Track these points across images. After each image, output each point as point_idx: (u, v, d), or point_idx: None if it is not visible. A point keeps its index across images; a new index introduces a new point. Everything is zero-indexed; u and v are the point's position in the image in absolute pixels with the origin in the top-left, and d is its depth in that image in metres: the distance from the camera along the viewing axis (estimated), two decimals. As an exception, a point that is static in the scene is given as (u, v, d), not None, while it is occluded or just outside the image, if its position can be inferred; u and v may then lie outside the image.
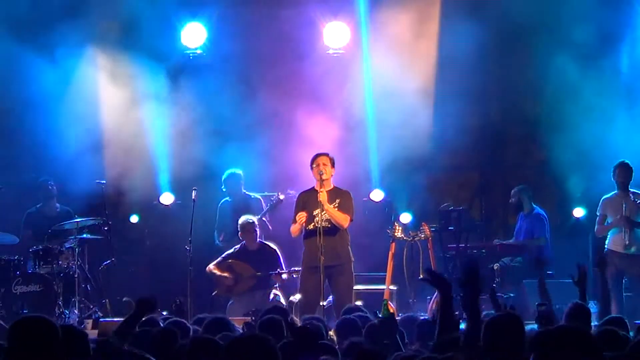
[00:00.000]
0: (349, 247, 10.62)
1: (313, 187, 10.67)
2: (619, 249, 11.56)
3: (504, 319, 4.73)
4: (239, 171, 12.95)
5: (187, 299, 12.78)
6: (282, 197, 12.58)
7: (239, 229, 12.13)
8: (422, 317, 8.31)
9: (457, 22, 13.46)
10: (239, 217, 12.30)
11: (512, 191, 13.02)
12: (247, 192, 13.01)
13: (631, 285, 11.63)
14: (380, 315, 6.48)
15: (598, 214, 11.76)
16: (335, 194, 10.58)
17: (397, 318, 8.91)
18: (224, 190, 12.89)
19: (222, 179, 12.91)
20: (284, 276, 11.99)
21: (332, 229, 10.48)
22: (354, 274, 10.74)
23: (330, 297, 10.73)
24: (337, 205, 10.52)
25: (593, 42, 13.00)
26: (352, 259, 10.62)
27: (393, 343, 6.05)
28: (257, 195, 13.06)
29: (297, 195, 11.05)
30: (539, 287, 7.43)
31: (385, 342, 5.95)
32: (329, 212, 10.40)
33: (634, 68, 13.32)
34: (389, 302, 11.77)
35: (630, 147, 12.62)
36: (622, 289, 11.52)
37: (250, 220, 12.08)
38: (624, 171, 11.54)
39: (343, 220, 10.49)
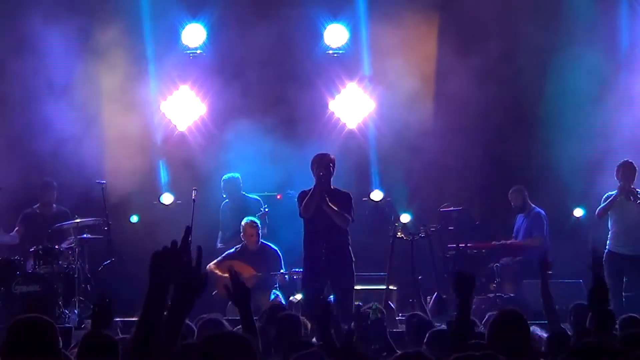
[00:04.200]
0: (350, 248, 10.58)
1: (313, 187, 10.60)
2: (620, 250, 11.57)
3: (508, 317, 4.72)
4: (237, 175, 12.97)
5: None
6: (267, 210, 12.63)
7: (241, 230, 12.14)
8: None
9: (457, 22, 13.49)
10: (239, 219, 12.32)
11: (511, 194, 12.93)
12: (245, 194, 13.02)
13: (631, 286, 11.63)
14: (370, 318, 6.46)
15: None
16: (335, 194, 10.53)
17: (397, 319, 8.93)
18: (223, 196, 12.93)
19: (221, 183, 12.91)
20: (282, 277, 12.00)
21: (333, 230, 10.42)
22: (355, 274, 10.71)
23: (331, 297, 10.70)
24: (337, 206, 10.46)
25: (593, 41, 13.01)
26: (353, 259, 10.59)
27: (385, 345, 6.04)
28: (255, 196, 13.07)
29: (297, 195, 10.95)
30: (541, 288, 7.40)
31: (374, 347, 5.94)
32: (330, 213, 10.34)
33: (634, 65, 13.34)
34: (383, 304, 11.78)
35: (631, 146, 12.62)
36: (622, 289, 11.52)
37: (252, 222, 12.10)
38: (627, 170, 11.52)
39: (343, 221, 10.45)
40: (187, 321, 6.69)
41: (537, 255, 12.43)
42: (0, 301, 11.51)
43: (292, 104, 13.63)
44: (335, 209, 10.35)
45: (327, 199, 10.33)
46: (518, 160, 13.93)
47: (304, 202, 10.39)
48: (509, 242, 12.84)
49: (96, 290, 12.56)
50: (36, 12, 13.07)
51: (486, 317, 8.16)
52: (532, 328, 5.84)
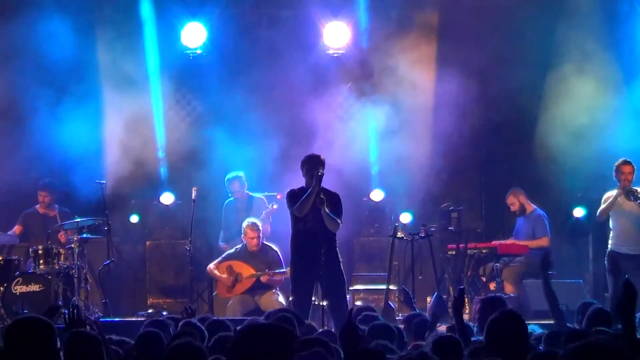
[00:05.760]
0: (337, 249, 10.45)
1: (302, 187, 10.46)
2: (621, 249, 11.56)
3: (507, 318, 4.72)
4: (241, 173, 12.99)
5: (190, 299, 12.80)
6: (275, 206, 12.64)
7: (242, 231, 12.15)
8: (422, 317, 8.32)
9: (457, 22, 13.49)
10: (243, 218, 12.33)
11: (508, 199, 12.92)
12: (250, 193, 13.04)
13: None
14: None
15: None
16: (326, 195, 10.41)
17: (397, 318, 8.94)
18: (229, 195, 12.95)
19: (225, 182, 12.94)
20: (277, 278, 11.99)
21: (324, 230, 10.30)
22: (344, 274, 10.61)
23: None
24: (328, 206, 10.31)
25: (593, 40, 13.01)
26: (341, 259, 10.48)
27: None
28: (260, 195, 13.08)
29: (287, 193, 10.72)
30: (543, 286, 7.38)
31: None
32: (325, 216, 10.23)
33: (634, 65, 13.33)
34: (389, 301, 11.78)
35: (631, 145, 12.60)
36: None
37: (254, 223, 12.11)
38: (626, 170, 11.50)
39: (335, 225, 10.30)
40: (196, 322, 6.69)
41: (545, 255, 12.48)
42: (0, 301, 11.50)
43: (292, 103, 13.64)
44: (331, 214, 10.24)
45: (325, 201, 10.20)
46: (518, 160, 13.94)
47: (301, 201, 10.27)
48: (517, 242, 12.79)
49: (96, 290, 12.62)
50: (36, 11, 13.08)
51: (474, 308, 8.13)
52: (531, 327, 5.84)
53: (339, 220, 10.29)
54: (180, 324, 6.73)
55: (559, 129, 13.17)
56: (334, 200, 10.34)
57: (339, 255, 10.41)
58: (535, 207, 12.87)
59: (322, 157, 10.40)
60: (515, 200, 12.89)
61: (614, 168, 11.52)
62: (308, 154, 10.53)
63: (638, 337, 4.25)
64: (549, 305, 7.22)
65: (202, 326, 6.55)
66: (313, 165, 10.24)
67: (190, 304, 11.22)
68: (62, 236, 12.53)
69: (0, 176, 13.10)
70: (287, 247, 11.25)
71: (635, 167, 11.49)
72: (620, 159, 11.56)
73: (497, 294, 6.46)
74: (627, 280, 4.59)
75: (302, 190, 10.34)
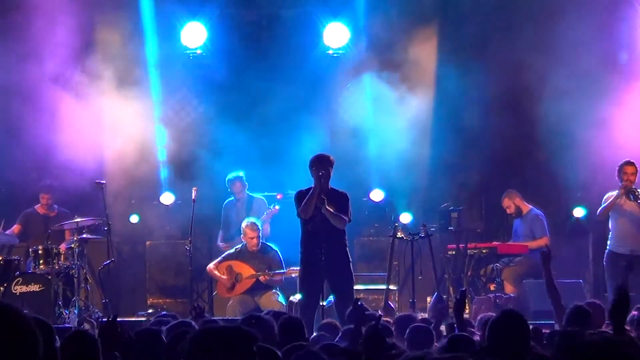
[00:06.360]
0: (347, 248, 10.48)
1: (309, 188, 10.51)
2: (620, 250, 11.56)
3: (508, 318, 4.72)
4: (241, 173, 13.00)
5: (189, 299, 12.80)
6: (277, 207, 12.65)
7: (241, 231, 12.16)
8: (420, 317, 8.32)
9: (457, 21, 13.49)
10: (242, 218, 12.35)
11: (504, 202, 12.90)
12: (250, 193, 13.05)
13: (632, 286, 11.60)
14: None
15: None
16: (333, 194, 10.42)
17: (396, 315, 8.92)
18: (232, 196, 12.99)
19: (226, 182, 12.96)
20: (276, 278, 11.99)
21: (331, 229, 10.32)
22: (353, 274, 10.64)
23: (331, 297, 10.66)
24: (334, 206, 10.33)
25: (593, 42, 13.01)
26: (350, 259, 10.50)
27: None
28: (260, 196, 13.09)
29: (295, 194, 10.81)
30: (546, 282, 7.35)
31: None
32: (329, 214, 10.25)
33: (633, 65, 13.32)
34: (389, 301, 11.80)
35: (631, 145, 12.60)
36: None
37: (253, 222, 12.11)
38: (627, 170, 11.50)
39: (340, 222, 10.32)
40: (189, 321, 6.66)
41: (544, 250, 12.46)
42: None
43: (292, 103, 13.63)
44: (333, 211, 10.23)
45: (326, 201, 10.21)
46: (518, 160, 13.93)
47: (303, 203, 10.29)
48: (516, 243, 12.79)
49: (96, 290, 12.62)
50: (37, 9, 13.07)
51: (479, 317, 8.12)
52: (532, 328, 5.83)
53: (344, 217, 10.29)
54: (167, 328, 6.57)
55: (559, 128, 13.15)
56: (339, 199, 10.34)
57: (349, 254, 10.43)
58: (531, 207, 12.86)
59: (331, 157, 10.41)
60: (510, 203, 12.89)
61: (617, 168, 11.52)
62: (316, 154, 10.53)
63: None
64: (551, 302, 7.20)
65: (193, 323, 6.53)
66: (320, 165, 10.26)
67: (192, 304, 11.23)
68: (62, 247, 12.48)
69: (0, 176, 13.09)
70: (287, 247, 11.31)
71: (638, 169, 11.49)
72: (624, 160, 11.57)
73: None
74: (621, 286, 4.63)
75: (309, 191, 10.38)
